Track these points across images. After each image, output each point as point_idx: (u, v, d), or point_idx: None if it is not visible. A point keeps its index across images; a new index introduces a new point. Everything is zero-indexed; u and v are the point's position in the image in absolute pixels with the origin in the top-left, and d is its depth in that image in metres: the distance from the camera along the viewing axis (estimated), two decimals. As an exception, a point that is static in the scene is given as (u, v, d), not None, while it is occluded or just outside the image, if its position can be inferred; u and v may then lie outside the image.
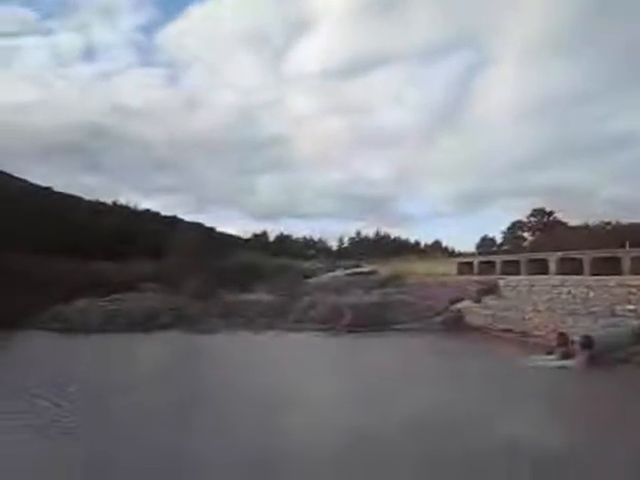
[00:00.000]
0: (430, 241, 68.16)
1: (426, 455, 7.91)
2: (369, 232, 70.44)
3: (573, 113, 78.44)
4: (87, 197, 47.77)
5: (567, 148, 77.92)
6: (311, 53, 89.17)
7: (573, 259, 22.94)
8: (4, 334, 20.72)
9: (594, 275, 20.62)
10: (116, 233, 40.00)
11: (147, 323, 23.95)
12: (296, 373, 14.93)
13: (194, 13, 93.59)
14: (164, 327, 23.82)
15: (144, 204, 54.75)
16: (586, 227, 39.63)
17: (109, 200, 49.96)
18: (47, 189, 42.08)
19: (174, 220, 51.44)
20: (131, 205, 51.10)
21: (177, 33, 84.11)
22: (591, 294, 19.04)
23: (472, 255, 40.12)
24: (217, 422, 9.65)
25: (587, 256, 22.19)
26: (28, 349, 18.90)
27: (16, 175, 40.92)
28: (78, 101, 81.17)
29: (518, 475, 7.09)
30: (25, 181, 41.32)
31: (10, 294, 23.57)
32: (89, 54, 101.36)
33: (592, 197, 67.59)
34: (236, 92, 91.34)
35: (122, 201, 50.84)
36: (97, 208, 45.37)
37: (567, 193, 65.75)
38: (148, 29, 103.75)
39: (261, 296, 29.60)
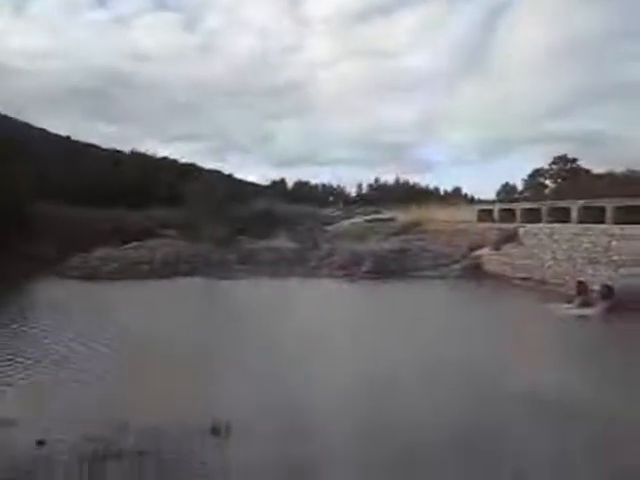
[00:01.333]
0: (450, 188, 67.50)
1: (438, 398, 8.09)
2: (388, 179, 69.92)
3: (597, 58, 75.80)
4: (105, 145, 48.01)
5: (591, 94, 75.70)
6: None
7: (596, 207, 22.47)
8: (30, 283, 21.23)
9: (618, 224, 20.21)
10: (135, 181, 40.24)
11: (167, 269, 24.25)
12: (316, 319, 15.09)
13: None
14: (185, 273, 24.06)
15: (162, 152, 54.96)
16: (611, 175, 38.62)
17: (127, 148, 50.09)
18: (66, 138, 42.20)
19: (193, 167, 51.51)
20: (149, 153, 51.23)
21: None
22: (613, 243, 18.75)
23: (492, 202, 39.58)
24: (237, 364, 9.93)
25: (610, 204, 21.69)
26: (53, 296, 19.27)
27: (35, 124, 41.03)
28: (93, 47, 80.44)
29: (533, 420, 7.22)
30: (44, 130, 41.38)
31: (31, 243, 24.05)
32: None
33: (617, 144, 65.72)
34: (254, 36, 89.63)
35: (141, 149, 50.97)
36: (116, 156, 45.52)
37: (591, 140, 64.08)
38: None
39: (281, 243, 29.77)
